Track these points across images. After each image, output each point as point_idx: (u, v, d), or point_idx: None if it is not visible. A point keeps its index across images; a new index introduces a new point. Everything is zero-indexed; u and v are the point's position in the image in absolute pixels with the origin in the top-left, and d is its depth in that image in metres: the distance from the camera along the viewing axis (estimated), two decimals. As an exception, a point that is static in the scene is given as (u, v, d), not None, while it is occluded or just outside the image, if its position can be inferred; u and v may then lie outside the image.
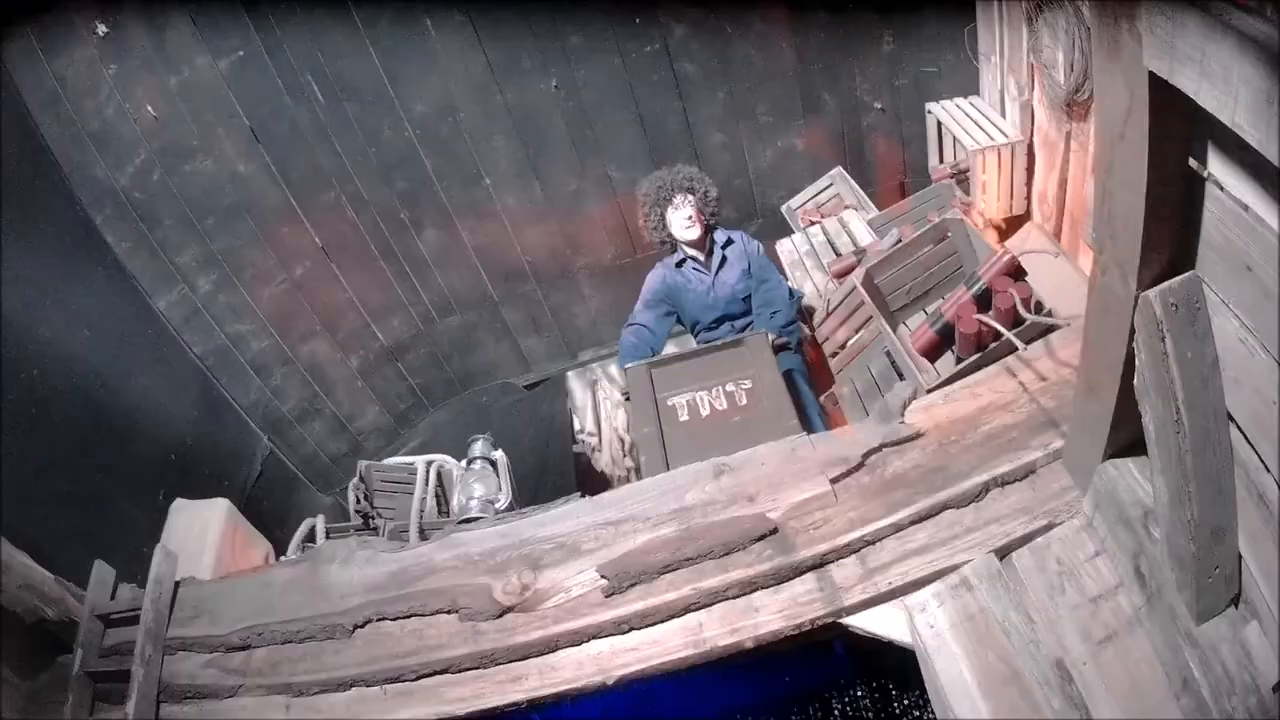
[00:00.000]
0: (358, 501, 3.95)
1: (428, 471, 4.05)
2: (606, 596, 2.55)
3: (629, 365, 3.61)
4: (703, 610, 2.49)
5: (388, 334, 5.61)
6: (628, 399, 3.62)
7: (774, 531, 2.54)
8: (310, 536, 3.98)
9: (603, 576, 2.57)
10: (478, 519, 3.48)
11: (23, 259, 3.81)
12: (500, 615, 2.59)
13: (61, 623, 3.32)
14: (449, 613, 2.64)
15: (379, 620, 2.70)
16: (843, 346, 4.05)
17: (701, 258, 4.07)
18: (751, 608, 2.46)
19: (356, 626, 2.70)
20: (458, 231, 5.35)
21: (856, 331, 3.99)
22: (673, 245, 4.11)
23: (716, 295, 4.07)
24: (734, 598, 2.48)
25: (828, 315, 4.16)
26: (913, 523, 2.51)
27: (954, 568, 2.40)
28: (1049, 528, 2.41)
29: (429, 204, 5.19)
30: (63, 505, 3.80)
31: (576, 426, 5.72)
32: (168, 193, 4.58)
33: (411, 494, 3.94)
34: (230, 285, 4.95)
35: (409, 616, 2.68)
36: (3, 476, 3.38)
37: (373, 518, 3.94)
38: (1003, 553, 2.42)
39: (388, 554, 2.93)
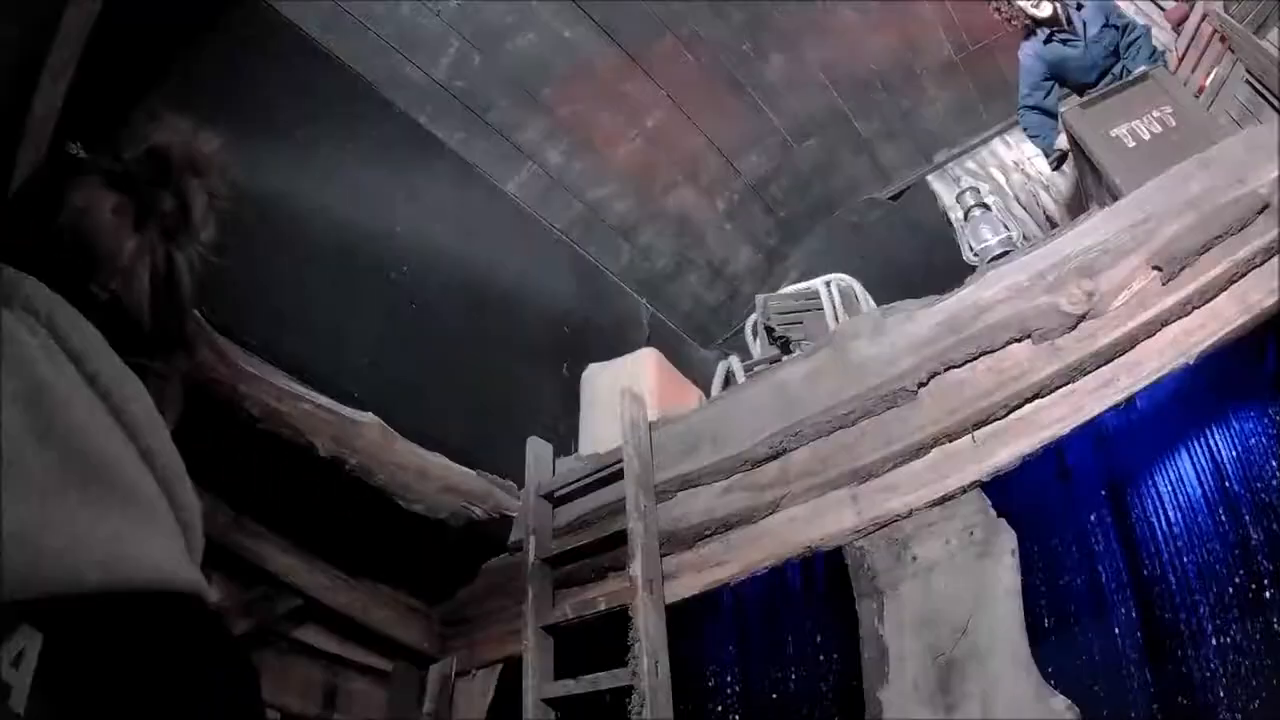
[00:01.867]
0: (769, 330, 4.09)
1: (829, 289, 4.15)
2: (1164, 284, 2.55)
3: (1065, 111, 3.83)
4: (1243, 279, 2.50)
5: (748, 170, 5.49)
6: (1057, 165, 4.31)
7: (1266, 206, 2.53)
8: (727, 379, 4.29)
9: (1155, 268, 2.58)
10: (1006, 253, 3.83)
11: (358, 172, 3.84)
12: (1075, 326, 2.60)
13: (492, 519, 3.21)
14: (1020, 340, 2.66)
15: (944, 371, 2.72)
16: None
17: (1065, 27, 4.10)
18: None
19: (920, 385, 2.72)
20: (801, 51, 5.02)
21: (1210, 70, 3.90)
22: (1030, 28, 4.14)
23: (1093, 55, 4.11)
24: (1261, 264, 2.48)
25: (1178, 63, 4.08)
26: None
27: None
28: None
29: (768, 28, 4.86)
30: (463, 397, 3.79)
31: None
32: (493, 75, 4.50)
33: (817, 314, 3.97)
34: (582, 152, 4.92)
35: (977, 357, 2.70)
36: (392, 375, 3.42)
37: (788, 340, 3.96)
38: None
39: (924, 309, 2.90)
